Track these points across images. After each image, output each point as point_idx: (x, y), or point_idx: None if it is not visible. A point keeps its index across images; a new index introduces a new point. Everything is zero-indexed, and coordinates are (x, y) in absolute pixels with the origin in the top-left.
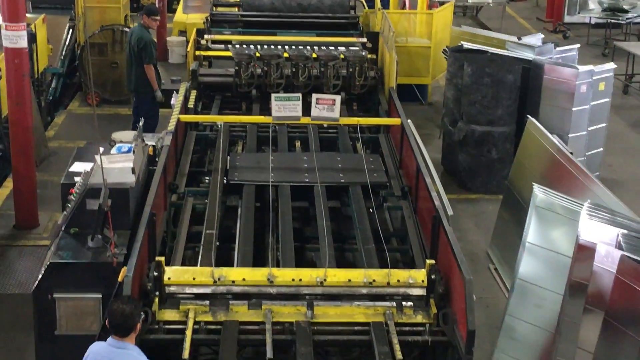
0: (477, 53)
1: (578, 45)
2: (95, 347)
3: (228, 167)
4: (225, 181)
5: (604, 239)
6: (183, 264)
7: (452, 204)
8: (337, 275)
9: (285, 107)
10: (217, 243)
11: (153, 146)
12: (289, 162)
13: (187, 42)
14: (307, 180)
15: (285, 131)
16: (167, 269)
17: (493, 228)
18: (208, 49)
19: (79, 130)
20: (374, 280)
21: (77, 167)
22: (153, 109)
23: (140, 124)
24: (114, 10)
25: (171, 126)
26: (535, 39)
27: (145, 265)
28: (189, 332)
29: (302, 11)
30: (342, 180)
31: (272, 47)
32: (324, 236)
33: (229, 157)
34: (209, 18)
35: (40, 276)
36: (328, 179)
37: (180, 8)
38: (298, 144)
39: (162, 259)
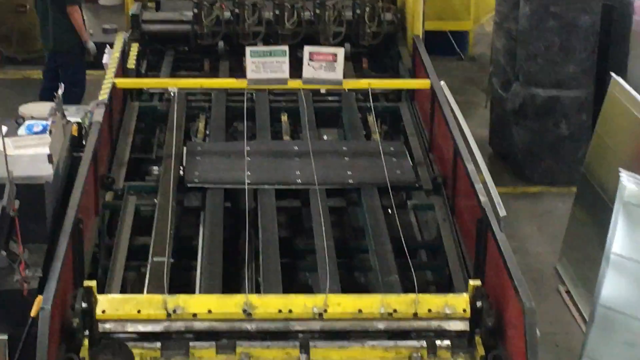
0: None
1: None
2: None
3: (184, 163)
4: (182, 182)
5: None
6: (123, 291)
7: (505, 200)
8: (343, 304)
9: (265, 66)
10: (172, 260)
11: (78, 123)
12: (272, 154)
13: None
14: (299, 181)
15: (266, 100)
16: (100, 297)
17: (563, 234)
18: None
19: None
20: (395, 310)
21: None
22: (79, 71)
23: (60, 91)
24: None
25: (103, 95)
26: None
27: (70, 293)
28: None
29: None
30: (349, 181)
31: None
32: (322, 248)
33: (185, 148)
34: None
35: None
36: (330, 179)
37: None
38: (284, 118)
39: (94, 283)
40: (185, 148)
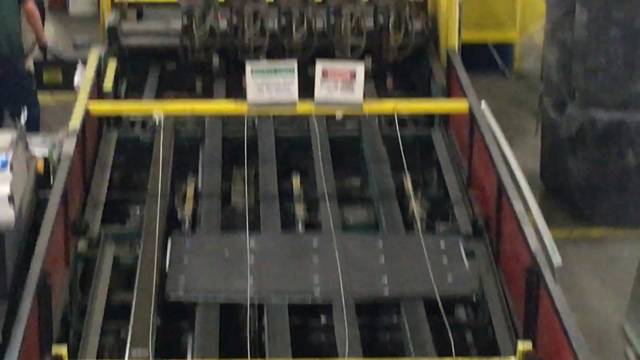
0: None
1: None
2: None
3: (167, 266)
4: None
5: None
6: (100, 358)
7: (560, 246)
8: None
9: (270, 86)
10: (158, 320)
11: (45, 158)
12: (283, 253)
13: None
14: (318, 293)
15: (271, 128)
16: None
17: (631, 287)
18: None
19: None
20: None
21: None
22: (32, 87)
23: (23, 118)
24: None
25: (75, 123)
26: None
27: None
28: None
29: None
30: (385, 294)
31: None
32: (340, 297)
33: (170, 242)
34: None
35: None
36: (359, 290)
37: None
38: (296, 182)
39: (64, 350)
40: (169, 241)
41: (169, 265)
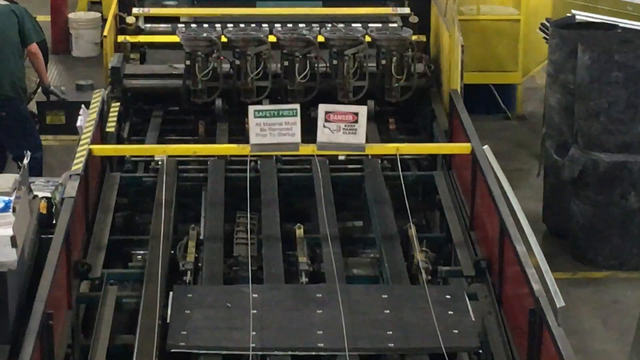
0: (598, 29)
1: None
2: None
3: (168, 317)
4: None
5: None
6: None
7: (563, 288)
8: None
9: (272, 129)
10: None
11: (47, 199)
12: (287, 305)
13: (104, 21)
14: (321, 344)
15: (273, 170)
16: None
17: (635, 329)
18: (139, 31)
19: None
20: None
21: None
22: (35, 130)
23: (26, 161)
24: None
25: (78, 164)
26: None
27: None
28: None
29: None
30: (390, 345)
31: (250, 25)
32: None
33: (172, 295)
34: None
35: None
36: (363, 343)
37: None
38: (300, 232)
39: None
40: (171, 294)
41: (171, 316)
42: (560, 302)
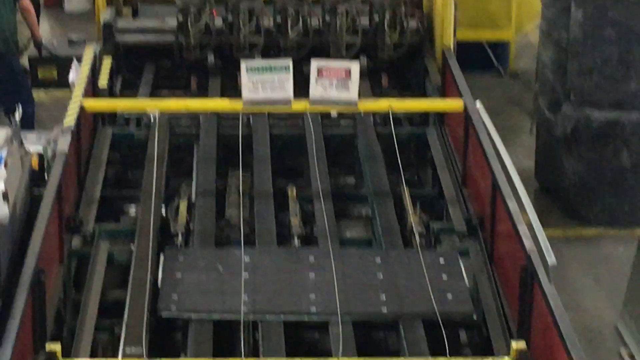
0: None
1: None
2: None
3: (159, 281)
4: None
5: None
6: (93, 355)
7: (554, 244)
8: None
9: (265, 85)
10: (152, 318)
11: (39, 154)
12: (279, 268)
13: None
14: (313, 309)
15: (265, 126)
16: None
17: (626, 286)
18: None
19: None
20: None
21: None
22: (27, 84)
23: (17, 115)
24: None
25: (70, 120)
26: None
27: (29, 358)
28: None
29: None
30: (383, 310)
31: None
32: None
33: (162, 258)
34: None
35: None
36: (356, 308)
37: None
38: (292, 193)
39: (58, 347)
40: (162, 256)
41: (162, 280)
42: (551, 259)
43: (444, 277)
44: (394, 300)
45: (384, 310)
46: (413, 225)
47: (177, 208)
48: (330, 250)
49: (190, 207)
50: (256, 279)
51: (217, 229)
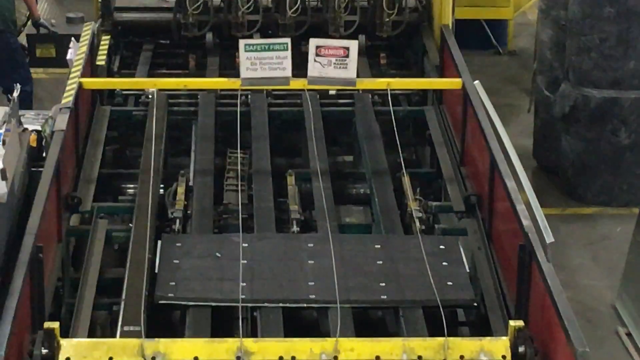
0: None
1: None
2: None
3: (157, 267)
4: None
5: None
6: (91, 334)
7: (552, 223)
8: (357, 349)
9: (263, 63)
10: (150, 298)
11: (37, 132)
12: (277, 254)
13: None
14: (313, 296)
15: (264, 104)
16: (64, 342)
17: (623, 265)
18: None
19: None
20: (419, 358)
21: None
22: (25, 63)
23: (15, 93)
24: None
25: (68, 97)
26: None
27: (28, 336)
28: None
29: None
30: (383, 297)
31: None
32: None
33: (160, 243)
34: None
35: None
36: (356, 294)
37: None
38: (290, 180)
39: (56, 325)
40: (159, 242)
41: (159, 266)
42: (549, 238)
43: (444, 263)
44: (394, 288)
45: (384, 297)
46: (413, 210)
47: (175, 192)
48: (330, 236)
49: (187, 190)
50: (254, 266)
51: (216, 214)
